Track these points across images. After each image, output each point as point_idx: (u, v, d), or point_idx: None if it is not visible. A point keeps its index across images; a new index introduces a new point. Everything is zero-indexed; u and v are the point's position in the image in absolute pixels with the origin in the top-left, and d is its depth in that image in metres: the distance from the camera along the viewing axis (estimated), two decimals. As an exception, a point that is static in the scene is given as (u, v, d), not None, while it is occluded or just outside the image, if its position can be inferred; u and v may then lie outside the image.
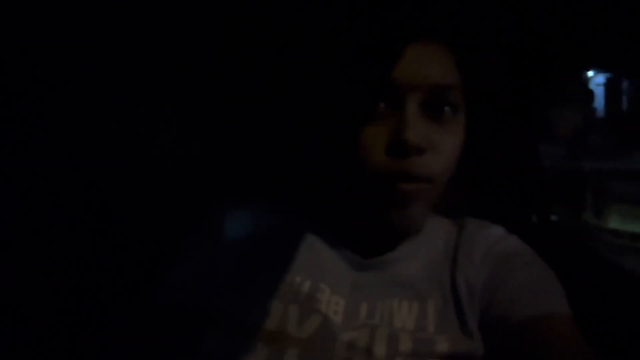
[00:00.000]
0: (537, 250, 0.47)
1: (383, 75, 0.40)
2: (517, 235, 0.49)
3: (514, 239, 0.48)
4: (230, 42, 0.65)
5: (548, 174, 0.65)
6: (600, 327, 0.43)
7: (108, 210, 0.63)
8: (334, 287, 0.44)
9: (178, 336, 0.45)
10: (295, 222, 0.50)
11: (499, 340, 0.40)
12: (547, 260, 0.45)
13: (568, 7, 0.64)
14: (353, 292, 0.44)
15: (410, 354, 0.38)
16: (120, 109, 0.65)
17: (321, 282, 0.44)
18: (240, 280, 0.44)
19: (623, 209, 1.56)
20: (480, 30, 0.46)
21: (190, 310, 0.45)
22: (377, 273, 0.45)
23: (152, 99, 0.66)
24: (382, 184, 0.40)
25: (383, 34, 0.41)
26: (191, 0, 0.62)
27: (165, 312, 0.47)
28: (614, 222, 1.54)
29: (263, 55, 0.64)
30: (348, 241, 0.47)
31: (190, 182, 0.65)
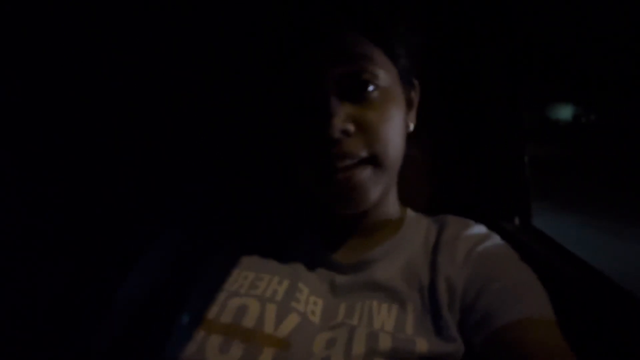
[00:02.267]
0: (519, 253, 0.46)
1: (293, 70, 0.42)
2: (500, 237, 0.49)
3: (496, 239, 0.48)
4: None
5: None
6: (583, 331, 0.43)
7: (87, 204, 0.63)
8: (312, 288, 0.43)
9: (147, 331, 0.45)
10: (274, 224, 0.50)
11: (480, 342, 0.39)
12: (529, 263, 0.45)
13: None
14: (331, 293, 0.44)
15: (389, 353, 0.37)
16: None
17: (299, 282, 0.43)
18: (214, 278, 0.43)
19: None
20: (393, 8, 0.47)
21: (160, 307, 0.45)
22: (355, 275, 0.45)
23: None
24: (322, 177, 0.42)
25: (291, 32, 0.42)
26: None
27: (132, 307, 0.46)
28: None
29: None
30: (326, 243, 0.47)
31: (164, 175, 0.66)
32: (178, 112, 0.68)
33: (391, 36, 0.44)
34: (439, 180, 0.68)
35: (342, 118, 0.40)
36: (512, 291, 0.40)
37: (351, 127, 0.40)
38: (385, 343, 0.37)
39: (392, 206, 0.51)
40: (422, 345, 0.38)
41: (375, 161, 0.42)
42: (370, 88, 0.42)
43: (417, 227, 0.50)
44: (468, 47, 0.66)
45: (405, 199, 0.54)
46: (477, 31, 0.65)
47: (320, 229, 0.48)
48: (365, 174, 0.42)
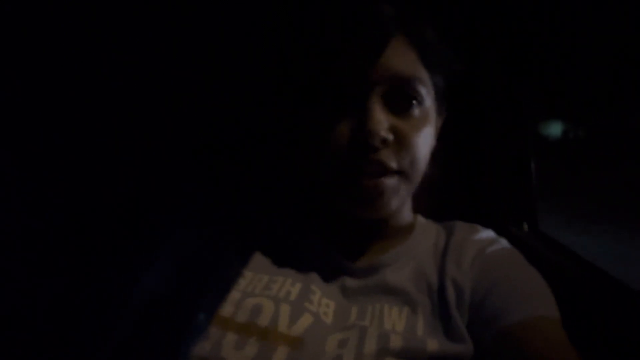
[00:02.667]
0: (528, 257, 0.46)
1: (342, 71, 0.41)
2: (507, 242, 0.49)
3: (503, 243, 0.48)
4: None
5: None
6: (593, 334, 0.43)
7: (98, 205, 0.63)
8: (324, 291, 0.44)
9: (163, 330, 0.44)
10: (284, 228, 0.50)
11: (487, 341, 0.39)
12: (539, 267, 0.45)
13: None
14: (343, 295, 0.44)
15: (400, 352, 0.38)
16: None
17: (312, 285, 0.44)
18: (229, 280, 0.44)
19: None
20: (441, 23, 0.47)
21: (176, 305, 0.44)
22: (366, 278, 0.45)
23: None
24: (348, 179, 0.41)
25: (341, 32, 0.42)
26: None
27: (148, 304, 0.46)
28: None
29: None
30: (337, 247, 0.48)
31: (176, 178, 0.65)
32: (180, 112, 0.67)
33: (439, 61, 0.45)
34: (447, 187, 0.68)
35: (385, 127, 0.40)
36: (519, 292, 0.41)
37: (391, 137, 0.41)
38: (396, 343, 0.38)
39: (405, 213, 0.51)
40: (432, 345, 0.38)
41: (402, 173, 0.42)
42: (414, 103, 0.43)
43: (427, 232, 0.50)
44: (472, 52, 0.65)
45: (415, 206, 0.54)
46: (482, 35, 0.64)
47: (332, 233, 0.49)
48: (392, 182, 0.42)
